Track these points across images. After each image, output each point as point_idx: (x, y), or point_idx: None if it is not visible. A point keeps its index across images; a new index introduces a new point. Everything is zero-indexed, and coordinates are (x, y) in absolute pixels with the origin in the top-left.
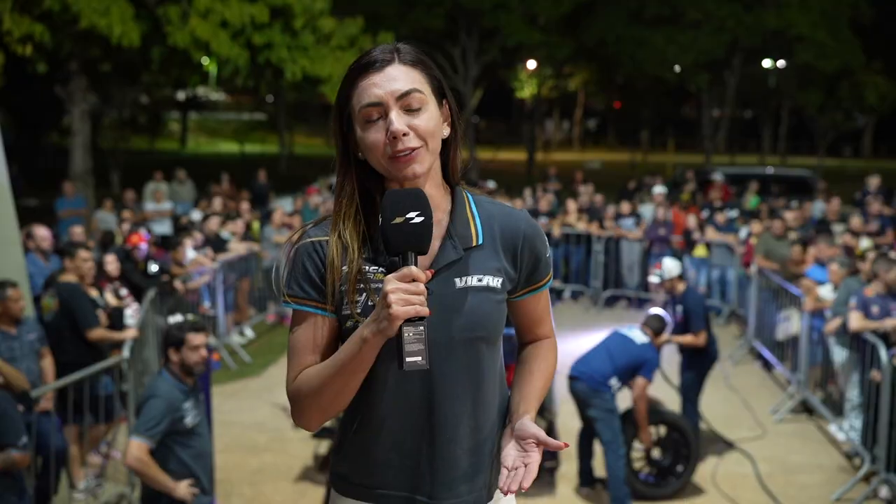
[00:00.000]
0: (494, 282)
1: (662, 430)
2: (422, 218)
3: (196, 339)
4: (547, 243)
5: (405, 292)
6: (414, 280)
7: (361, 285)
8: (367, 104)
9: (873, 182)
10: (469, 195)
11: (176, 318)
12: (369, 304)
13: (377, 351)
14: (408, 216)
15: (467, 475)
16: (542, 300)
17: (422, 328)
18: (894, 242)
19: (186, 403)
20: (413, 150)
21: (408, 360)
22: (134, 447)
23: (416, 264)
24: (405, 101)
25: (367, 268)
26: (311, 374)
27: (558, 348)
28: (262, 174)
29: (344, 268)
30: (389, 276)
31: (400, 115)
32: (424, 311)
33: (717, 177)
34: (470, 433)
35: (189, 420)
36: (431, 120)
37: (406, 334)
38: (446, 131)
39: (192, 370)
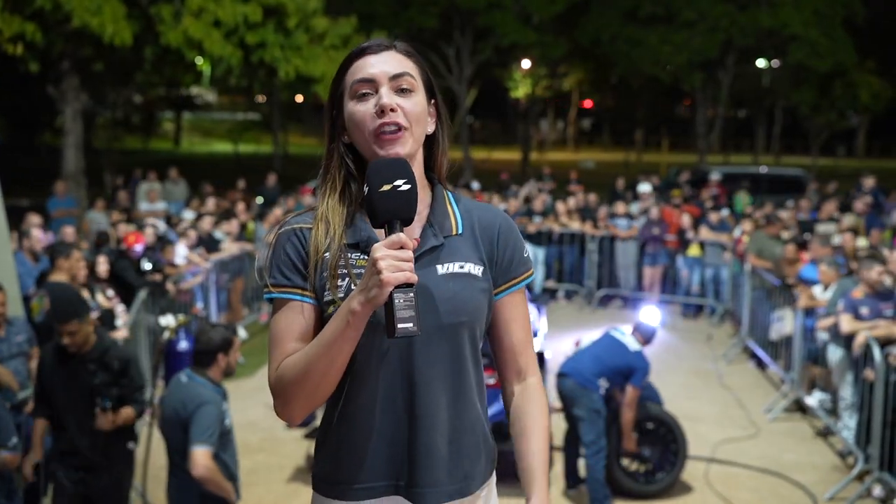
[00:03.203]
0: (476, 269)
1: (649, 425)
2: (409, 186)
3: (237, 341)
4: (523, 240)
5: (394, 259)
6: (402, 247)
7: (344, 270)
8: (359, 79)
9: (868, 182)
10: (448, 192)
11: (167, 319)
12: (352, 288)
13: (364, 323)
14: (395, 184)
15: (447, 464)
16: (521, 306)
17: (412, 294)
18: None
19: (224, 405)
20: (399, 127)
21: (400, 326)
22: (202, 456)
23: (402, 233)
24: (397, 82)
25: (349, 254)
26: (294, 360)
27: (552, 348)
28: (271, 178)
29: (326, 254)
30: (377, 244)
31: (390, 92)
32: (414, 277)
33: (715, 176)
34: (449, 421)
35: (227, 422)
36: (419, 105)
37: (397, 301)
38: (431, 127)
39: (232, 372)
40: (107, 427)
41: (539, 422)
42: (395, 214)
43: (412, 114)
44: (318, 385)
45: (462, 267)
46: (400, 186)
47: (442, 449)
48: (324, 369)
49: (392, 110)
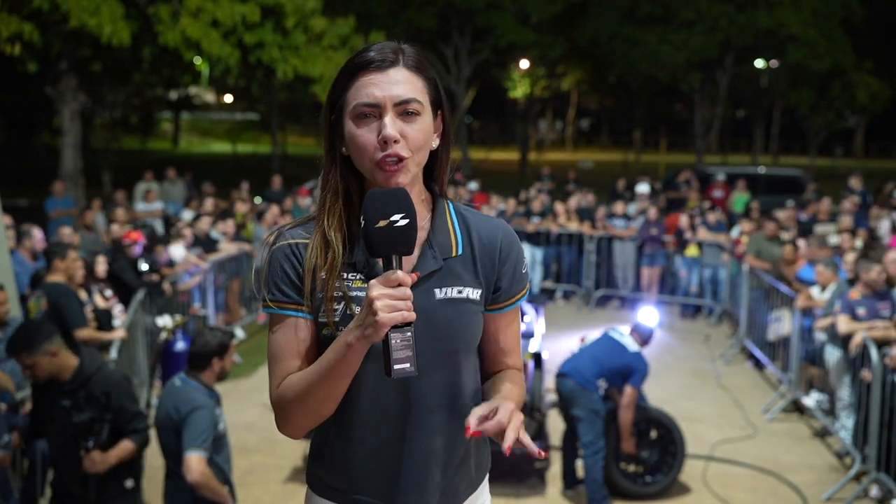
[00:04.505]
0: (474, 294)
1: (648, 427)
2: (406, 220)
3: (234, 345)
4: (524, 256)
5: (391, 298)
6: (399, 285)
7: (340, 293)
8: (363, 103)
9: (855, 182)
10: (450, 204)
11: (164, 320)
12: (347, 313)
13: (362, 356)
14: (392, 219)
15: (440, 488)
16: (514, 322)
17: (409, 334)
18: (869, 241)
19: (217, 410)
20: (400, 159)
21: (396, 367)
22: (196, 461)
23: (401, 267)
24: (402, 108)
25: (345, 275)
26: (294, 381)
27: (550, 349)
28: (276, 180)
29: (323, 274)
30: (374, 281)
31: (394, 120)
32: (411, 316)
33: (721, 176)
34: (444, 445)
35: (221, 426)
36: (423, 132)
37: (393, 341)
38: (436, 143)
39: (225, 376)
40: (97, 469)
41: (516, 383)
42: (392, 250)
43: (415, 142)
44: (317, 408)
45: (461, 292)
46: (397, 222)
47: (436, 474)
48: (323, 395)
49: (395, 141)
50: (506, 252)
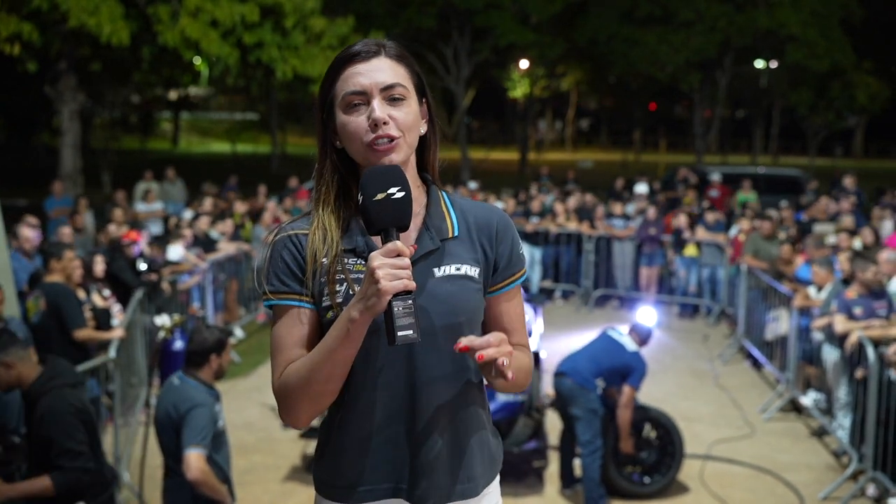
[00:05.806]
0: (472, 271)
1: (646, 427)
2: (402, 193)
3: (230, 342)
4: (518, 237)
5: (392, 267)
6: (399, 255)
7: (341, 276)
8: (351, 92)
9: (849, 182)
10: (444, 193)
11: (162, 319)
12: (350, 293)
13: (365, 331)
14: (389, 192)
15: (449, 467)
16: (515, 301)
17: (410, 301)
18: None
19: (217, 406)
20: (391, 139)
21: (399, 333)
22: (196, 459)
23: (398, 240)
24: (388, 93)
25: (346, 260)
26: (297, 366)
27: (548, 348)
28: (293, 181)
29: (324, 259)
30: (374, 253)
31: (382, 104)
32: (412, 284)
33: (716, 177)
34: (451, 422)
35: (221, 424)
36: (411, 114)
37: (396, 308)
38: (423, 128)
39: (222, 374)
40: None
41: (526, 357)
42: (390, 222)
43: (404, 123)
44: (321, 391)
45: (459, 269)
46: (394, 194)
47: (443, 451)
48: (327, 375)
49: (385, 123)
50: (502, 232)
